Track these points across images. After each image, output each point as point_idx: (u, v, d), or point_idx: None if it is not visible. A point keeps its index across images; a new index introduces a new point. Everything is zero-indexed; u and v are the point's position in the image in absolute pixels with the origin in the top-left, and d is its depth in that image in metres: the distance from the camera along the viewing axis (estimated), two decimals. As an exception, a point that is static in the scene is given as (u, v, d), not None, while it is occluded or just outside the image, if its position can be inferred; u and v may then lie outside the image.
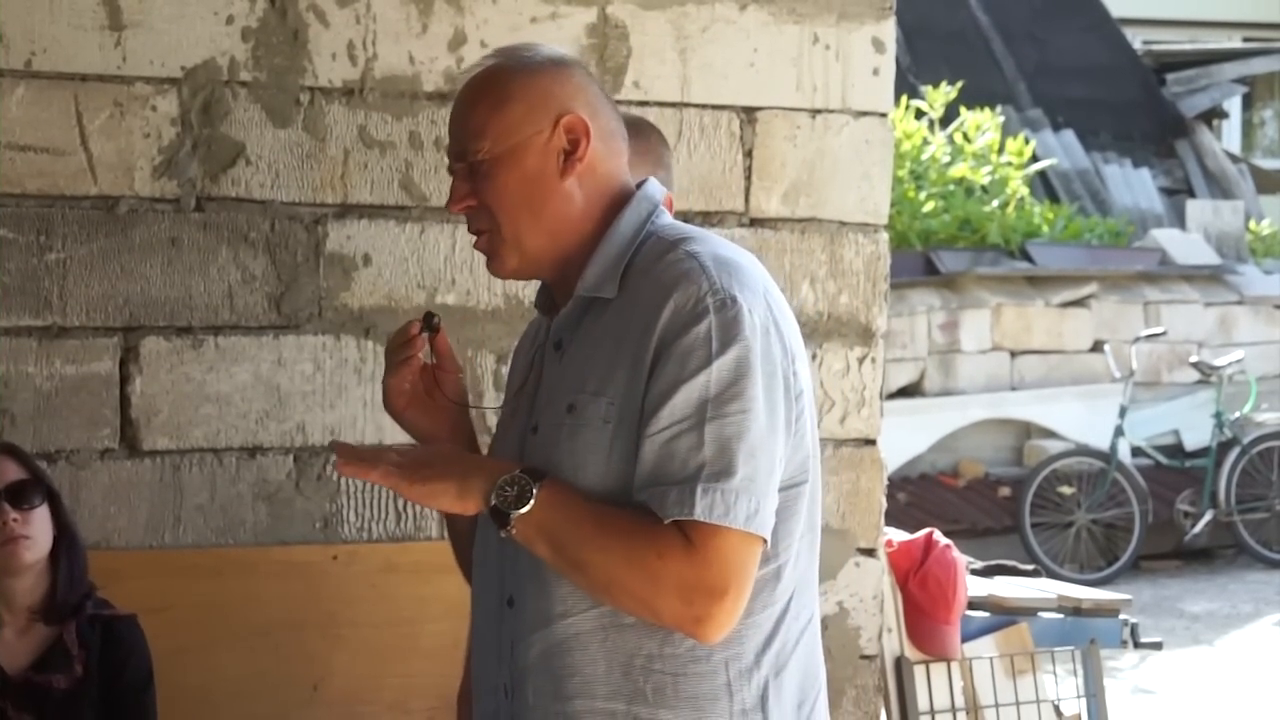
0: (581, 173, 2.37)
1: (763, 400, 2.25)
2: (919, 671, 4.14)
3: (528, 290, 3.88)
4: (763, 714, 2.31)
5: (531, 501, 2.22)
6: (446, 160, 2.45)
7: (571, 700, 2.30)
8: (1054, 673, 4.37)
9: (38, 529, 3.24)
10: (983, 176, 12.71)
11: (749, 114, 4.01)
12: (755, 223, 4.02)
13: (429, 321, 2.47)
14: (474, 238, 2.43)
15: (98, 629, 3.29)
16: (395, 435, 3.77)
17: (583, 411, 2.30)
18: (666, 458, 2.24)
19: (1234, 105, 18.10)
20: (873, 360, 4.08)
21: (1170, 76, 16.10)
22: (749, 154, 4.02)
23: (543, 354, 2.43)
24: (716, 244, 2.36)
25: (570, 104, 2.37)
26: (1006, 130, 13.29)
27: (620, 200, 2.40)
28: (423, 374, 2.50)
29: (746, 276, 2.31)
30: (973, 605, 4.30)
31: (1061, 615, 4.43)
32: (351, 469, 2.28)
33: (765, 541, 2.26)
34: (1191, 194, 14.91)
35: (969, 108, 13.04)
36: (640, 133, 3.10)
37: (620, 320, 2.32)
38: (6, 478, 3.24)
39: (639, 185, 2.43)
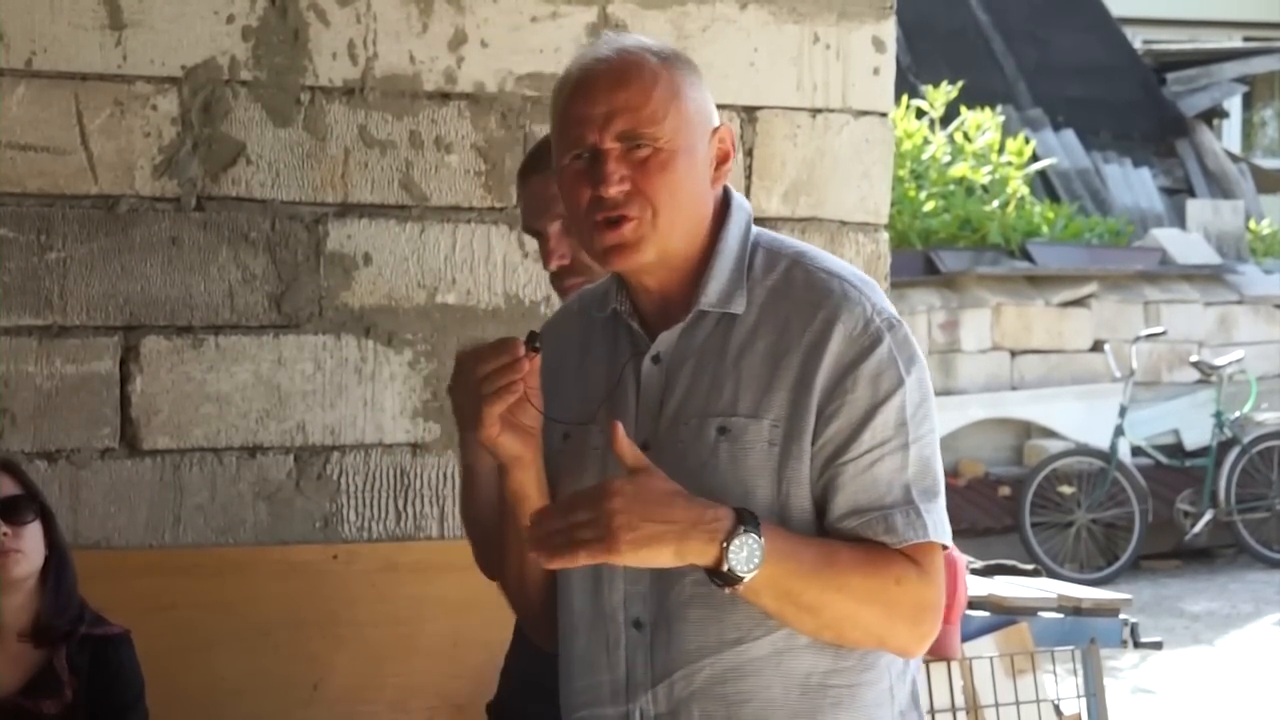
0: (721, 183, 2.36)
1: (936, 417, 2.30)
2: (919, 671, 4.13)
3: (528, 290, 3.89)
4: (916, 712, 2.34)
5: (760, 560, 2.13)
6: (586, 135, 2.26)
7: None
8: (1054, 672, 4.36)
9: (28, 545, 3.21)
10: (983, 176, 12.71)
11: (749, 113, 4.01)
12: (756, 222, 4.01)
13: (533, 341, 2.24)
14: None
15: (88, 651, 3.26)
16: (395, 435, 3.78)
17: (741, 435, 2.23)
18: (871, 482, 2.22)
19: (1234, 105, 18.11)
20: (873, 360, 4.07)
21: (1170, 76, 16.11)
22: (749, 153, 4.02)
23: (635, 368, 2.32)
24: (839, 261, 2.36)
25: (716, 116, 2.36)
26: (1007, 130, 13.29)
27: (721, 209, 2.36)
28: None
29: (881, 293, 2.34)
30: (973, 605, 4.29)
31: (1061, 615, 4.42)
32: (558, 563, 2.13)
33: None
34: (1192, 193, 14.91)
35: (969, 107, 13.04)
36: None
37: (765, 339, 2.27)
38: (1, 492, 3.22)
39: (726, 193, 2.39)
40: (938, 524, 2.24)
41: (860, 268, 4.02)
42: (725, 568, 2.12)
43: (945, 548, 2.26)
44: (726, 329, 2.29)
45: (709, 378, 2.27)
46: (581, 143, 2.28)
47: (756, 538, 2.13)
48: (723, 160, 2.34)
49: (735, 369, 2.26)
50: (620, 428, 2.14)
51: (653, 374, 2.30)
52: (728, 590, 2.14)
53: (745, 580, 2.13)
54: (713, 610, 2.24)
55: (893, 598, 2.20)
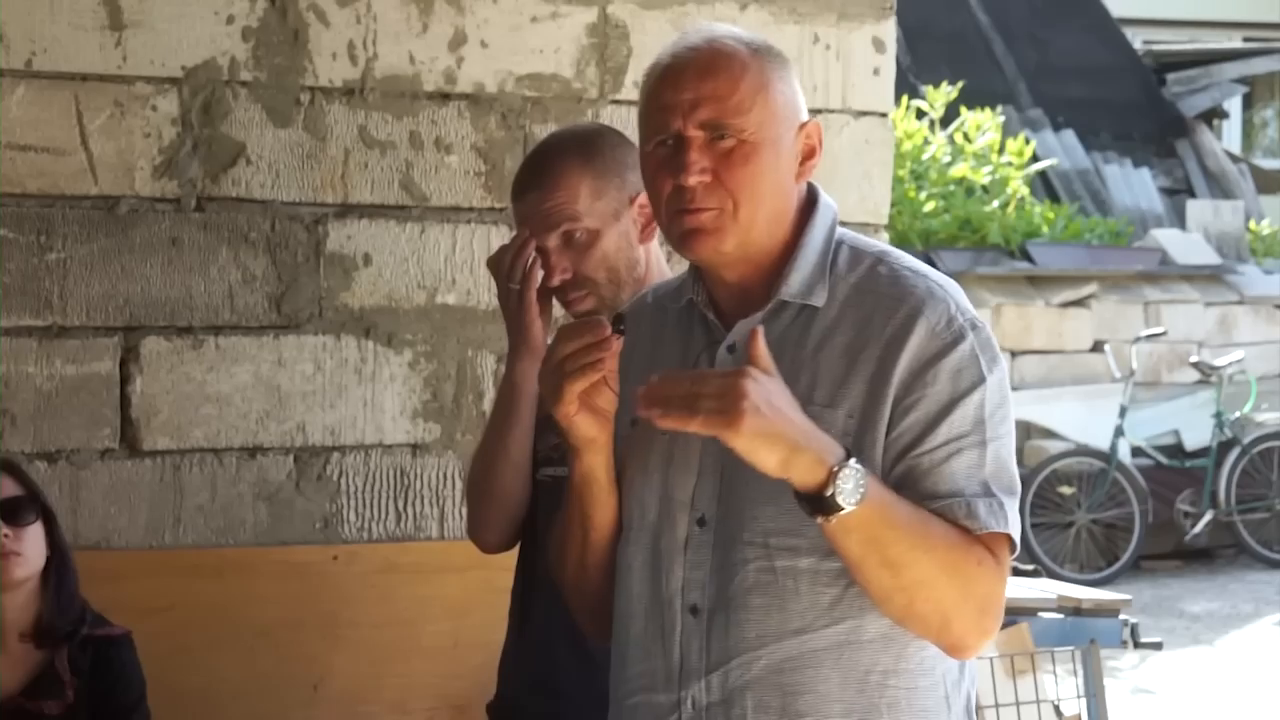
0: (806, 178, 2.35)
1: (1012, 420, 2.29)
2: (919, 671, 4.13)
3: (528, 290, 3.88)
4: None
5: (863, 494, 2.08)
6: (670, 122, 2.24)
7: (804, 717, 2.23)
8: (1054, 673, 4.36)
9: (29, 546, 3.21)
10: (983, 176, 12.71)
11: (749, 114, 4.01)
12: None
13: (619, 324, 2.23)
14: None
15: (89, 652, 3.26)
16: (395, 436, 3.78)
17: (816, 423, 2.18)
18: (949, 474, 2.19)
19: (1234, 105, 18.11)
20: (873, 360, 4.07)
21: (1170, 76, 16.11)
22: (749, 154, 4.01)
23: (710, 356, 2.30)
24: (920, 263, 2.36)
25: (805, 110, 2.34)
26: (1007, 130, 13.29)
27: (807, 203, 2.35)
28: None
29: (964, 296, 2.34)
30: (973, 605, 4.29)
31: (1061, 615, 4.42)
32: (670, 422, 2.06)
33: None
34: (1192, 194, 14.92)
35: (969, 108, 13.05)
36: (593, 151, 2.95)
37: (845, 335, 2.25)
38: (2, 493, 3.21)
39: (813, 190, 2.38)
40: (1015, 521, 2.22)
41: (860, 268, 4.06)
42: (829, 492, 2.07)
43: (1013, 551, 2.23)
44: (807, 321, 2.27)
45: (786, 368, 2.21)
46: (665, 129, 2.26)
47: (864, 470, 2.09)
48: (808, 156, 2.33)
49: (813, 360, 2.25)
50: (760, 332, 2.11)
51: (728, 363, 2.27)
52: (819, 520, 2.09)
53: (845, 511, 2.08)
54: (775, 599, 2.22)
55: (971, 577, 2.17)
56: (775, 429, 2.06)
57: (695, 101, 2.24)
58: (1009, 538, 2.20)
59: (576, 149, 2.95)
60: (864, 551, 2.13)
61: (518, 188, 2.99)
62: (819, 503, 2.09)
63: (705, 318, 2.33)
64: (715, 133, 2.24)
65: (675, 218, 2.26)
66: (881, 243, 2.39)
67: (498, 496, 3.01)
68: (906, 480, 2.20)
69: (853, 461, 2.08)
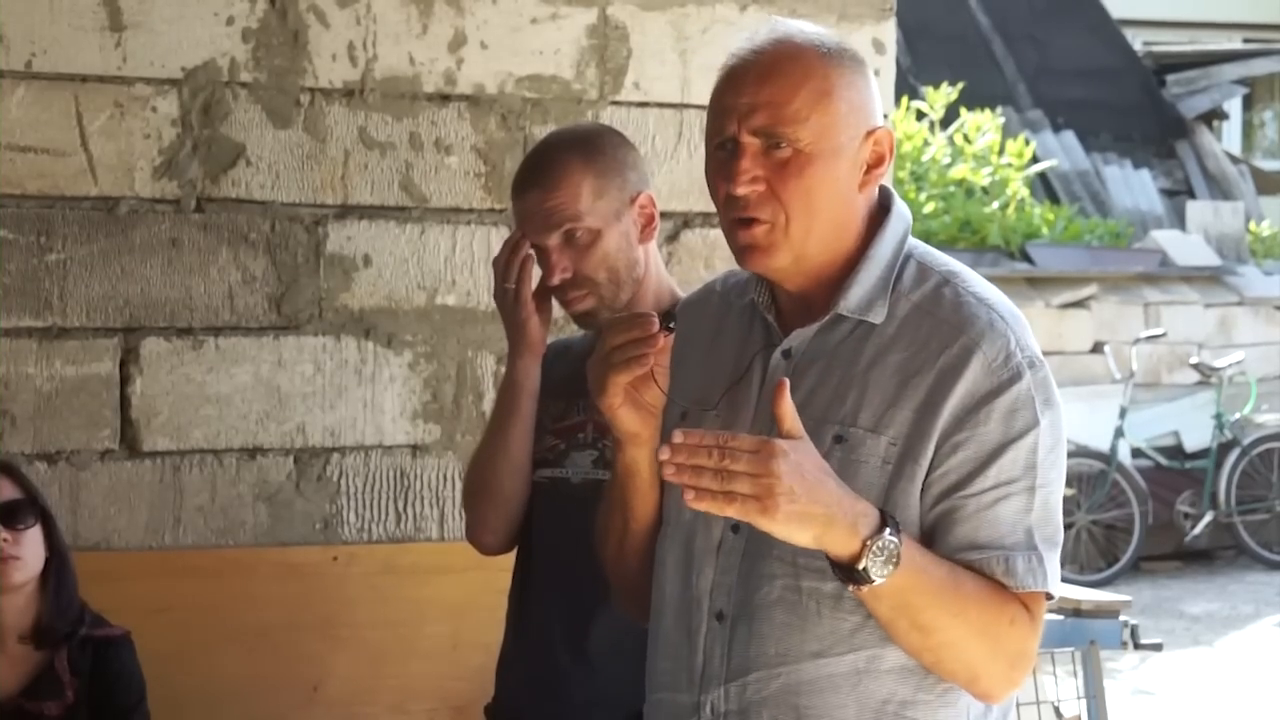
0: (873, 188, 2.25)
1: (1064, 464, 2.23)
2: (919, 673, 4.13)
3: (528, 291, 3.88)
4: None
5: (895, 566, 2.05)
6: (726, 126, 2.21)
7: None
8: (1054, 674, 4.36)
9: (28, 550, 3.21)
10: (983, 178, 12.71)
11: (749, 115, 4.01)
12: (755, 224, 4.01)
13: (668, 321, 2.21)
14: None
15: (89, 653, 3.26)
16: (395, 436, 3.78)
17: (858, 447, 2.16)
18: (993, 520, 2.14)
19: (1234, 106, 18.10)
20: (873, 361, 4.07)
21: (1170, 78, 16.10)
22: (749, 155, 4.01)
23: (763, 360, 2.26)
24: (991, 288, 2.25)
25: (878, 115, 2.25)
26: (1007, 131, 13.29)
27: (878, 212, 2.26)
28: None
29: (1029, 330, 2.23)
30: (973, 606, 4.29)
31: (1061, 616, 4.42)
32: (703, 505, 2.02)
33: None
34: (1192, 195, 14.91)
35: (969, 109, 13.05)
36: (595, 150, 2.95)
37: (900, 354, 2.19)
38: (1, 496, 3.21)
39: (887, 197, 2.29)
40: (1054, 574, 2.17)
41: (860, 269, 4.06)
42: (861, 565, 2.05)
43: (1050, 597, 2.19)
44: (862, 337, 2.21)
45: (835, 383, 2.20)
46: (722, 133, 2.22)
47: (896, 542, 2.05)
48: (876, 164, 2.23)
49: (863, 379, 2.19)
50: (785, 385, 2.06)
51: (780, 368, 2.23)
52: (850, 589, 2.07)
53: (876, 584, 2.06)
54: (797, 618, 2.18)
55: (1002, 637, 2.13)
56: (809, 511, 2.02)
57: (752, 107, 2.18)
58: (1046, 594, 2.16)
59: (578, 148, 2.94)
60: (893, 616, 2.11)
61: (519, 185, 2.98)
62: (851, 573, 2.06)
63: (765, 320, 2.29)
64: (770, 140, 2.18)
65: (731, 228, 2.22)
66: (954, 261, 2.29)
67: (497, 496, 3.00)
68: (946, 520, 2.15)
69: (887, 532, 2.05)
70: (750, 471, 1.99)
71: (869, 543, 2.04)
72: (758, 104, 2.18)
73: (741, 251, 2.21)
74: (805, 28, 2.25)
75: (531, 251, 2.92)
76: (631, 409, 2.23)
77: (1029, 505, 2.16)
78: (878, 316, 2.21)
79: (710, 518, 2.23)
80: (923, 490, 2.15)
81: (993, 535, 2.14)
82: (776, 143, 2.17)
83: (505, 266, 2.94)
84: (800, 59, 2.19)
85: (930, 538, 2.16)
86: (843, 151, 2.19)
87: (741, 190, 2.18)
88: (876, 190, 2.27)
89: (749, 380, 2.27)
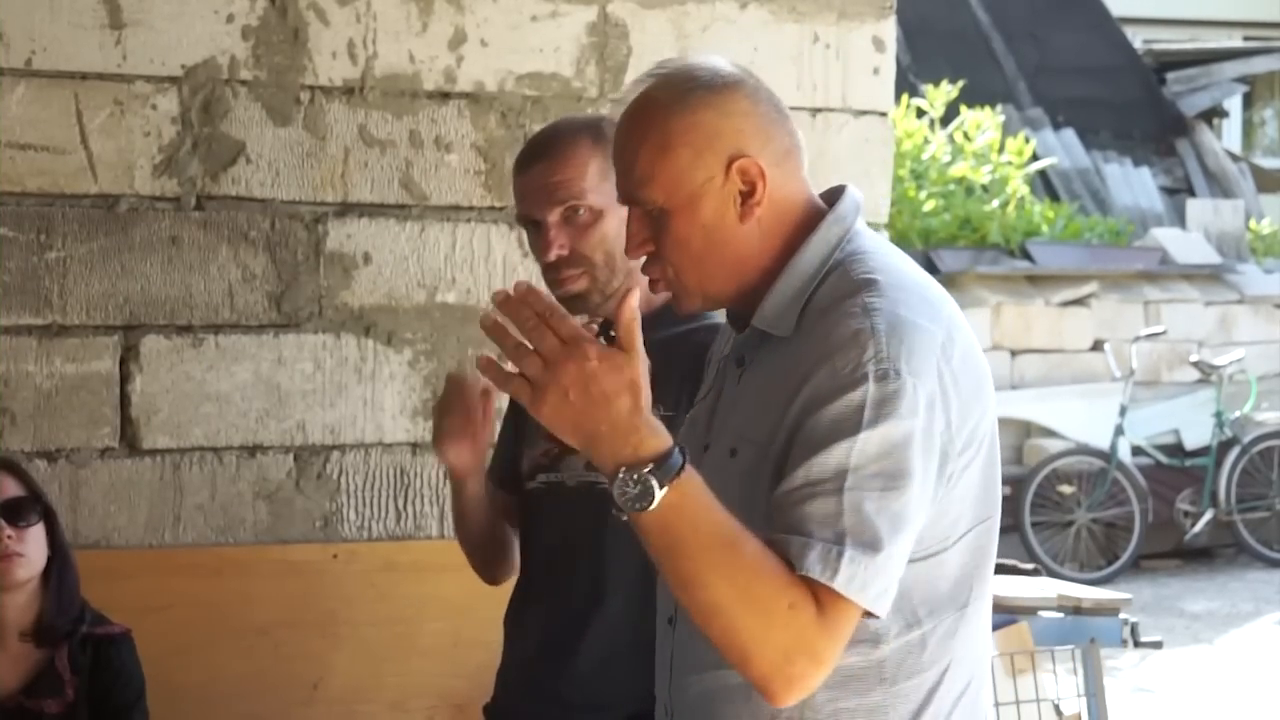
0: (761, 212, 2.19)
1: (918, 479, 2.10)
2: (919, 670, 4.13)
3: (528, 289, 3.88)
4: None
5: (653, 505, 1.98)
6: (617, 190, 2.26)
7: None
8: (1054, 672, 4.36)
9: (32, 547, 3.21)
10: (983, 175, 12.71)
11: (749, 113, 4.01)
12: (755, 222, 4.01)
13: (608, 329, 2.16)
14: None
15: (89, 650, 3.26)
16: (394, 434, 3.78)
17: (743, 458, 2.18)
18: (802, 517, 2.06)
19: (1234, 104, 18.10)
20: (873, 359, 4.07)
21: (1170, 75, 16.10)
22: (749, 153, 4.01)
23: (727, 367, 2.30)
24: (901, 293, 2.16)
25: (740, 141, 2.17)
26: (1007, 129, 13.29)
27: (805, 221, 2.22)
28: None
29: (920, 344, 2.12)
30: (973, 604, 4.29)
31: (1061, 614, 4.42)
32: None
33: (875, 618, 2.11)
34: (1192, 193, 14.91)
35: (969, 107, 13.04)
36: (605, 136, 2.93)
37: (789, 365, 2.17)
38: (4, 493, 3.21)
39: (835, 197, 2.25)
40: (857, 579, 2.04)
41: (860, 267, 4.06)
42: (614, 495, 1.99)
43: (869, 614, 2.08)
44: (774, 350, 2.21)
45: (747, 395, 2.22)
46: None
47: (656, 484, 1.98)
48: (749, 193, 2.18)
49: (763, 391, 2.19)
50: (633, 293, 2.01)
51: (733, 378, 2.27)
52: (615, 512, 2.02)
53: (623, 516, 2.01)
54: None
55: (776, 617, 2.02)
56: (579, 422, 1.98)
57: (616, 175, 2.23)
58: (844, 597, 2.04)
59: (589, 130, 2.93)
60: (660, 558, 2.05)
61: (523, 160, 2.94)
62: (611, 502, 2.02)
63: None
64: (639, 206, 2.20)
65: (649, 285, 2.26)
66: (883, 267, 2.21)
67: (477, 555, 3.11)
68: (772, 513, 2.10)
69: (649, 469, 1.98)
70: (545, 356, 1.98)
71: (621, 474, 1.98)
72: (618, 172, 2.22)
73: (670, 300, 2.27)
74: (662, 73, 2.22)
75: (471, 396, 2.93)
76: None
77: (838, 509, 2.06)
78: (784, 330, 2.19)
79: None
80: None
81: (801, 525, 2.06)
82: (644, 206, 2.19)
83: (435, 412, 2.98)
84: (641, 117, 2.19)
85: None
86: (700, 195, 2.17)
87: (634, 256, 2.23)
88: (795, 198, 2.22)
89: (716, 386, 2.31)
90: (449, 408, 2.91)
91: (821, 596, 2.04)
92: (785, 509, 2.08)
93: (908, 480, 2.08)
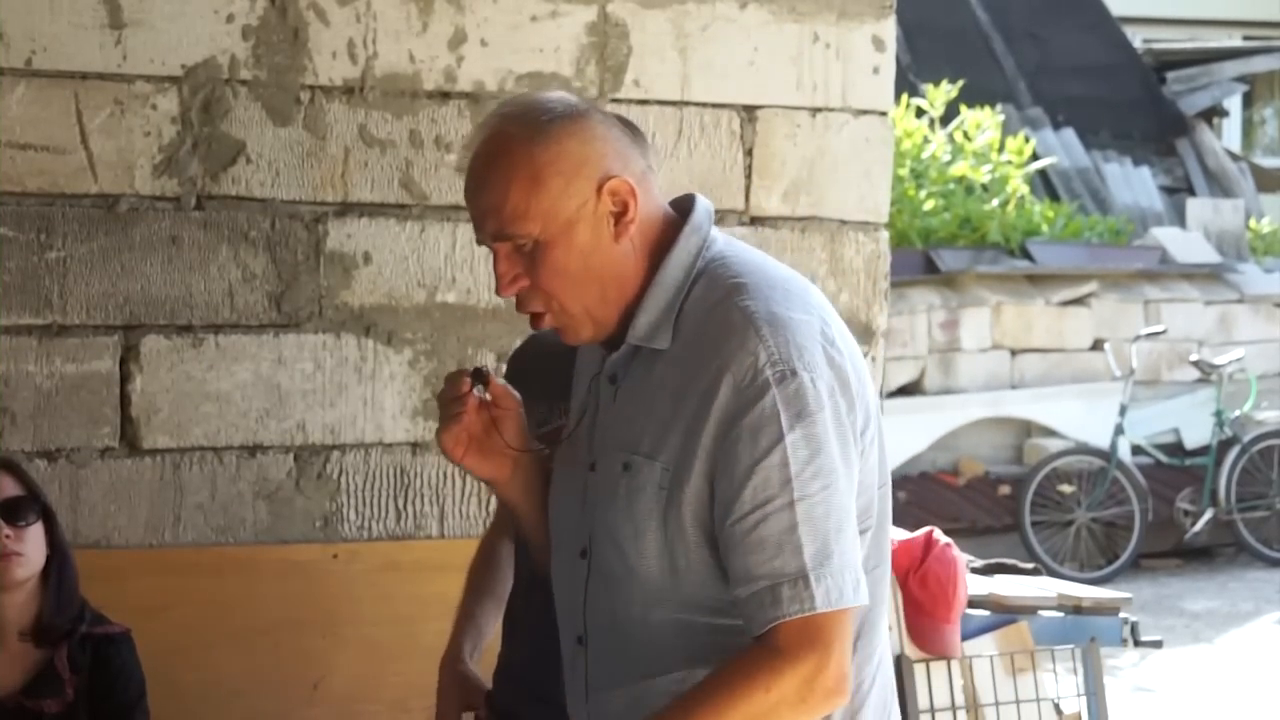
0: (632, 231, 2.25)
1: (841, 469, 2.18)
2: (919, 670, 4.14)
3: (528, 289, 3.88)
4: None
5: None
6: (477, 232, 2.28)
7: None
8: (1054, 671, 4.36)
9: (31, 546, 3.21)
10: (983, 175, 12.71)
11: (749, 112, 4.01)
12: (755, 221, 4.02)
13: (479, 377, 2.35)
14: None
15: (89, 650, 3.26)
16: (394, 434, 3.78)
17: (638, 473, 2.22)
18: (759, 544, 2.15)
19: (1234, 104, 18.09)
20: (873, 359, 4.08)
21: (1170, 75, 16.10)
22: (749, 152, 4.02)
23: (599, 385, 2.34)
24: (771, 290, 2.24)
25: (605, 165, 2.23)
26: (1007, 129, 13.28)
27: (665, 234, 2.28)
28: (479, 416, 2.36)
29: (804, 336, 2.20)
30: (973, 604, 4.30)
31: (1062, 614, 4.42)
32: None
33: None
34: (1192, 192, 14.90)
35: (969, 106, 13.04)
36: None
37: (676, 376, 2.22)
38: (3, 493, 3.21)
39: (687, 208, 2.31)
40: (830, 589, 2.14)
41: (860, 267, 4.07)
42: None
43: (863, 604, 2.19)
44: (652, 361, 2.26)
45: (630, 409, 2.26)
46: (480, 235, 2.29)
47: None
48: (621, 213, 2.24)
49: (649, 404, 2.24)
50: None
51: (608, 394, 2.32)
52: None
53: None
54: (623, 642, 2.27)
55: (769, 706, 2.14)
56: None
57: (481, 216, 2.25)
58: (826, 611, 2.15)
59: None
60: None
61: None
62: None
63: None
64: (510, 241, 2.23)
65: (529, 321, 2.31)
66: (749, 269, 2.28)
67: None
68: (727, 553, 2.18)
69: None
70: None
71: None
72: (485, 212, 2.24)
73: (556, 333, 2.31)
74: (514, 110, 2.27)
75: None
76: (480, 457, 2.36)
77: (792, 521, 2.14)
78: (662, 342, 2.24)
79: (569, 546, 2.34)
80: (715, 525, 2.19)
81: (761, 560, 2.15)
82: (516, 241, 2.23)
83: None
84: (502, 155, 2.23)
85: (724, 574, 2.19)
86: (577, 222, 2.22)
87: (507, 294, 2.26)
88: (654, 214, 2.28)
89: (590, 404, 2.36)
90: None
91: (800, 632, 2.14)
92: (743, 540, 2.15)
93: (837, 472, 2.17)
